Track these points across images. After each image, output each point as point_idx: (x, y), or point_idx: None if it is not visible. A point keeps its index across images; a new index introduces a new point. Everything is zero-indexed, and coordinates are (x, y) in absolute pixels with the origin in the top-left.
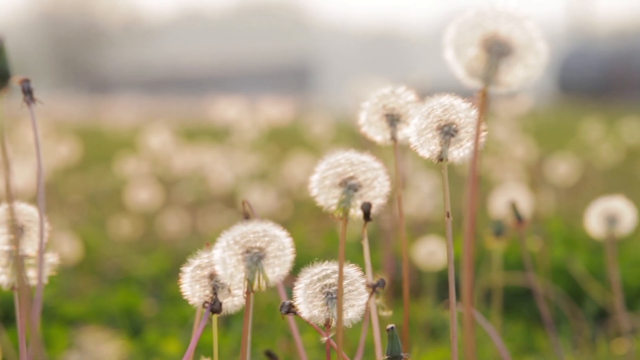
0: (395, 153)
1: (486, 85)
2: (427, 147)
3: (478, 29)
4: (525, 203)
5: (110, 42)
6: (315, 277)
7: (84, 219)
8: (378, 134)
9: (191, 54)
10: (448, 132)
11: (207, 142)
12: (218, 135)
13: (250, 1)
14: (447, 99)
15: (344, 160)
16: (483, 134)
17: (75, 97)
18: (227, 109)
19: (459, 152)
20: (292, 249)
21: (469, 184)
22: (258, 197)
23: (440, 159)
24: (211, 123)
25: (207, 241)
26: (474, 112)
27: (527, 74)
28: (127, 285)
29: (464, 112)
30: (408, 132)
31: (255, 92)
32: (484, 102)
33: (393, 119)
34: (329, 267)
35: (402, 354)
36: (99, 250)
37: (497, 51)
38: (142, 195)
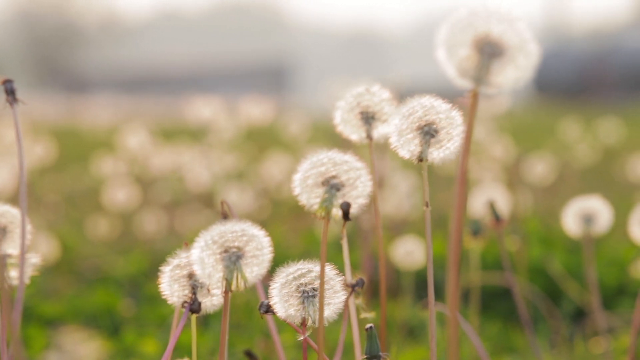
0: (370, 151)
1: (477, 85)
2: (407, 148)
3: (470, 30)
4: (503, 203)
5: (87, 42)
6: (290, 277)
7: (61, 219)
8: (353, 132)
9: (168, 54)
10: (428, 132)
11: (185, 142)
12: (195, 135)
13: (227, 1)
14: (427, 100)
15: (326, 160)
16: (470, 134)
17: (52, 96)
18: (204, 109)
19: (439, 153)
20: (270, 249)
21: (456, 184)
22: (236, 196)
23: (420, 160)
24: (188, 123)
25: (185, 241)
26: (454, 113)
27: (518, 75)
28: (105, 285)
29: (444, 113)
30: (388, 132)
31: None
32: (475, 103)
33: (368, 117)
34: (304, 266)
35: (380, 354)
36: (77, 250)
37: (489, 52)
38: (120, 195)
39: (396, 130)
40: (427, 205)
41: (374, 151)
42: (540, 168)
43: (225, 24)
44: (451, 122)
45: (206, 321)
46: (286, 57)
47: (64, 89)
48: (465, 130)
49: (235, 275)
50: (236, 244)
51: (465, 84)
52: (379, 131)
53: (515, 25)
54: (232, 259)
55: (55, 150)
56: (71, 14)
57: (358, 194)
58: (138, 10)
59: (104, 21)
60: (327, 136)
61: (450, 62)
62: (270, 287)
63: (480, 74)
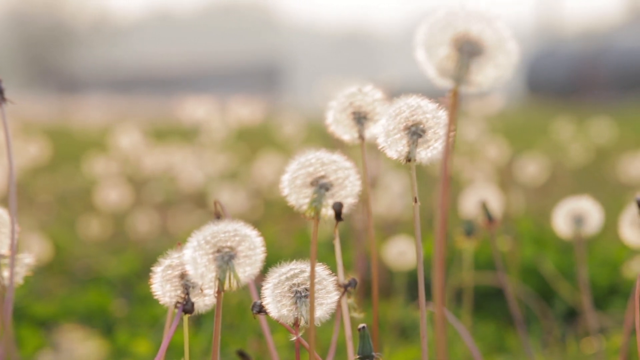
0: (362, 151)
1: (457, 85)
2: (395, 148)
3: (449, 29)
4: (495, 203)
5: (79, 42)
6: (283, 277)
7: (53, 219)
8: (346, 132)
9: (160, 54)
10: (415, 132)
11: (177, 142)
12: (188, 135)
13: (219, 1)
14: (414, 100)
15: (315, 160)
16: (452, 133)
17: (43, 96)
18: (197, 109)
19: (427, 153)
20: (263, 249)
21: (440, 184)
22: (228, 197)
23: (408, 160)
24: (181, 123)
25: (177, 241)
26: (441, 113)
27: (497, 73)
28: (97, 286)
29: (431, 113)
30: (376, 132)
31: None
32: (455, 102)
33: (360, 117)
34: (296, 267)
35: (373, 354)
36: (69, 250)
37: (468, 51)
38: (112, 195)
39: (383, 130)
40: (415, 201)
41: (367, 151)
42: (532, 168)
43: (217, 24)
44: (438, 122)
45: (199, 321)
46: (278, 57)
47: (56, 89)
48: (447, 130)
49: (227, 275)
50: (229, 244)
51: (445, 83)
52: (371, 131)
53: (494, 24)
54: (225, 259)
55: (48, 150)
56: (63, 14)
57: (347, 193)
58: (130, 10)
59: (96, 21)
60: (319, 136)
61: (430, 62)
62: (263, 288)
63: (460, 73)
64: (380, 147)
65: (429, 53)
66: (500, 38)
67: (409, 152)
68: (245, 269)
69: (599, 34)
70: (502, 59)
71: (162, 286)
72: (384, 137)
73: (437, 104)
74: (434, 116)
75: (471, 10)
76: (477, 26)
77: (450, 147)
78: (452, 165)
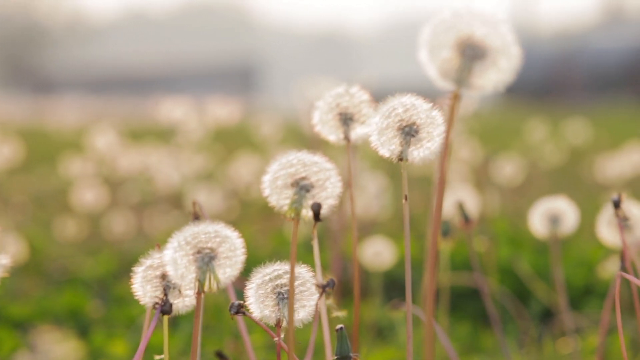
0: (347, 153)
1: (458, 87)
2: (388, 147)
3: (453, 31)
4: (471, 203)
5: (54, 42)
6: (267, 277)
7: (28, 220)
8: (331, 133)
9: (136, 54)
10: (409, 132)
11: (153, 142)
12: (164, 135)
13: (195, 1)
14: (409, 99)
15: (296, 161)
16: (448, 135)
17: (18, 97)
18: (173, 110)
19: (419, 153)
20: (243, 250)
21: (435, 185)
22: (204, 197)
23: (401, 159)
24: (157, 123)
25: (153, 242)
26: (435, 113)
27: (499, 77)
28: (73, 287)
29: (425, 113)
30: (369, 131)
31: (201, 92)
32: (455, 104)
33: (347, 119)
34: (280, 268)
35: (351, 354)
36: (44, 251)
37: (471, 54)
38: (88, 196)
39: (376, 128)
40: (405, 199)
41: (344, 152)
42: (508, 169)
43: (192, 24)
44: (432, 122)
45: (175, 322)
46: (254, 57)
47: (30, 89)
48: (445, 132)
49: (208, 276)
50: (209, 245)
51: (446, 85)
52: (356, 133)
53: (499, 27)
54: (205, 260)
55: (23, 151)
56: (37, 14)
57: (327, 195)
58: (105, 10)
59: (71, 21)
60: (296, 137)
61: (432, 63)
62: (246, 288)
63: (462, 76)
64: (372, 145)
65: (432, 54)
66: (504, 42)
67: (401, 152)
68: (226, 270)
69: (573, 35)
70: (505, 63)
71: (143, 286)
72: (377, 135)
73: (431, 104)
74: (428, 116)
75: (476, 13)
76: (481, 29)
77: (449, 149)
78: (448, 167)
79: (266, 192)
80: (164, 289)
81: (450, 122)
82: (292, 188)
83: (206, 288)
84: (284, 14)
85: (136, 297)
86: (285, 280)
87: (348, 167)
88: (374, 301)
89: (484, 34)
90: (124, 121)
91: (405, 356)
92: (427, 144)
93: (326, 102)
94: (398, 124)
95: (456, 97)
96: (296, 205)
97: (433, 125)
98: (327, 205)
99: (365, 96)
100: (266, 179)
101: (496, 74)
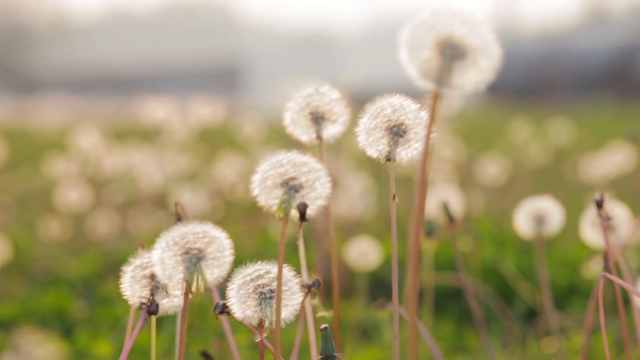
0: (321, 151)
1: (439, 87)
2: (376, 147)
3: (433, 31)
4: (456, 203)
5: (37, 42)
6: (248, 278)
7: (12, 220)
8: (303, 133)
9: (119, 54)
10: (397, 132)
11: (137, 142)
12: (148, 135)
13: (179, 1)
14: (397, 99)
15: (286, 161)
16: (432, 135)
17: (1, 97)
18: (156, 110)
19: (407, 153)
20: (231, 251)
21: (417, 185)
22: (189, 197)
23: (388, 159)
24: (140, 123)
25: (137, 242)
26: (423, 113)
27: (479, 77)
28: (57, 287)
29: (413, 113)
30: (340, 132)
31: (185, 92)
32: (436, 104)
33: (318, 118)
34: (262, 268)
35: (335, 354)
36: (28, 251)
37: (451, 54)
38: (72, 196)
39: (364, 129)
40: (394, 198)
41: (328, 152)
42: (492, 169)
43: (176, 24)
44: (420, 123)
45: (159, 322)
46: (238, 57)
47: (14, 89)
48: (427, 132)
49: (195, 277)
50: (197, 245)
51: (427, 85)
52: (329, 131)
53: (478, 27)
54: (193, 260)
55: (6, 151)
56: (20, 14)
57: (317, 195)
58: (88, 10)
59: (54, 21)
60: (279, 137)
61: (413, 64)
62: (228, 288)
63: (442, 76)
64: (360, 145)
65: (412, 54)
66: (484, 41)
67: (389, 152)
68: (213, 271)
69: (557, 36)
70: (485, 62)
71: (132, 286)
72: (365, 135)
73: (420, 105)
74: (416, 117)
75: (455, 12)
76: (461, 29)
77: (430, 149)
78: (430, 167)
79: (255, 191)
80: (152, 289)
81: (431, 121)
82: (281, 188)
83: (194, 289)
84: (267, 14)
85: (124, 297)
86: (266, 280)
87: (324, 166)
88: (359, 301)
89: (463, 34)
90: (107, 121)
91: (390, 356)
92: (415, 144)
93: (297, 103)
94: (386, 125)
95: (437, 97)
96: (285, 205)
97: (421, 126)
98: (316, 206)
99: (335, 94)
100: (256, 178)
101: (476, 74)
